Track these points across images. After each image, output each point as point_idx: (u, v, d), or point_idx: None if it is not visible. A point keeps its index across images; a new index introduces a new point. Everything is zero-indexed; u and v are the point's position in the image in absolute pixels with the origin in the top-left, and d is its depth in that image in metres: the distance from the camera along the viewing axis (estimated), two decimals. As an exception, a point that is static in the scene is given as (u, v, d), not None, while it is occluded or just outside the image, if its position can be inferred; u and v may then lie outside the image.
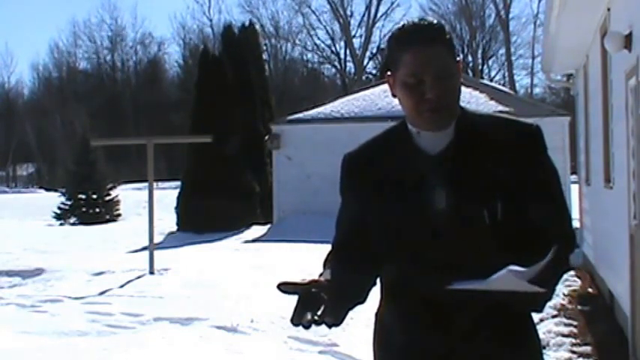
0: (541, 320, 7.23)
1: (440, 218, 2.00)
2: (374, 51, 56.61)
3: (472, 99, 18.89)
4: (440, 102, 1.99)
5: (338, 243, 2.21)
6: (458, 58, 2.08)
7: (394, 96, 2.10)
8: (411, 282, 2.04)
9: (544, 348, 5.65)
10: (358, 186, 2.14)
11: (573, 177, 15.84)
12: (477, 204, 1.99)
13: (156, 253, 11.82)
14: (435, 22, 2.07)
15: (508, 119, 2.15)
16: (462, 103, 2.10)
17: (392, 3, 56.62)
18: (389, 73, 2.09)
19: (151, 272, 11.25)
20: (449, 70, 2.01)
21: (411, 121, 2.08)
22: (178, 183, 23.64)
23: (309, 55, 59.94)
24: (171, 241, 18.36)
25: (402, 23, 2.09)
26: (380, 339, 2.18)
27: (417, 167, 2.05)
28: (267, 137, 21.17)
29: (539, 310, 2.06)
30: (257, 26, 34.20)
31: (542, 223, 2.00)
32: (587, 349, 6.42)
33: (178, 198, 21.55)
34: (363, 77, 52.95)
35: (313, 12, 57.34)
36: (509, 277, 1.82)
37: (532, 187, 2.03)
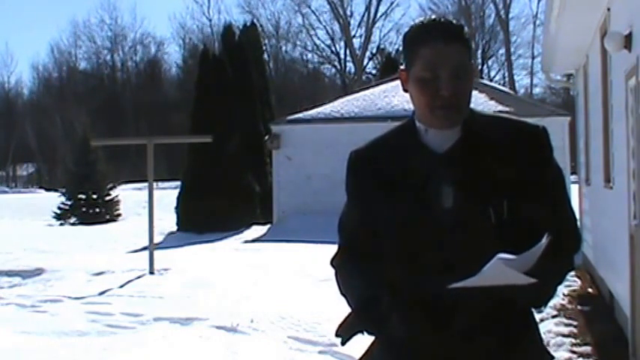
0: (541, 320, 7.22)
1: (446, 217, 2.00)
2: (374, 51, 56.69)
3: (472, 99, 18.87)
4: (454, 100, 1.99)
5: (345, 244, 2.21)
6: (472, 61, 2.09)
7: (405, 91, 2.10)
8: (414, 281, 2.04)
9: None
10: (364, 184, 2.14)
11: (573, 177, 15.83)
12: (483, 203, 1.99)
13: (156, 253, 11.82)
14: (455, 21, 2.07)
15: (515, 120, 2.15)
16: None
17: (392, 3, 56.67)
18: (402, 68, 2.09)
19: (151, 272, 11.25)
20: (466, 70, 2.01)
21: (422, 118, 2.07)
22: (178, 183, 23.63)
23: (309, 55, 60.03)
24: (171, 241, 18.36)
25: (420, 19, 2.08)
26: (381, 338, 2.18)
27: (423, 165, 2.05)
28: (267, 137, 21.17)
29: (540, 307, 2.05)
30: (257, 26, 34.16)
31: (546, 224, 2.00)
32: (587, 349, 6.41)
33: (178, 198, 21.55)
34: (363, 77, 52.92)
35: (313, 12, 57.39)
36: (501, 268, 1.82)
37: (537, 188, 2.03)
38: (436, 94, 1.99)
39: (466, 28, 2.09)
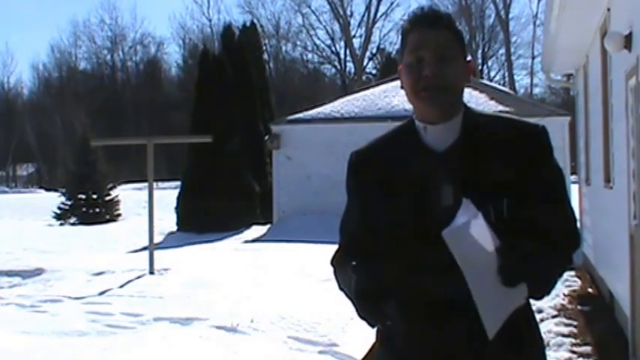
0: (541, 320, 7.22)
1: (446, 216, 2.00)
2: (374, 51, 56.72)
3: (472, 99, 18.89)
4: (438, 81, 2.00)
5: (345, 243, 2.22)
6: (468, 58, 2.11)
7: (402, 88, 2.11)
8: (414, 281, 2.04)
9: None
10: (364, 184, 2.15)
11: (573, 177, 15.83)
12: (483, 202, 1.99)
13: (156, 253, 11.81)
14: (444, 11, 2.10)
15: (514, 119, 2.16)
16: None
17: (392, 3, 56.68)
18: (400, 67, 2.11)
19: (151, 272, 11.24)
20: (450, 53, 2.03)
21: (414, 110, 2.09)
22: (178, 183, 23.62)
23: (309, 56, 60.02)
24: (171, 241, 18.35)
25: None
26: (381, 338, 2.18)
27: (423, 165, 2.05)
28: (267, 137, 21.17)
29: (537, 297, 2.03)
30: (257, 26, 34.15)
31: (545, 222, 2.01)
32: (587, 349, 6.41)
33: (178, 198, 21.54)
34: (363, 77, 52.94)
35: (313, 12, 57.41)
36: (467, 234, 1.85)
37: (536, 187, 2.03)
38: (420, 77, 2.01)
39: (455, 21, 2.11)
